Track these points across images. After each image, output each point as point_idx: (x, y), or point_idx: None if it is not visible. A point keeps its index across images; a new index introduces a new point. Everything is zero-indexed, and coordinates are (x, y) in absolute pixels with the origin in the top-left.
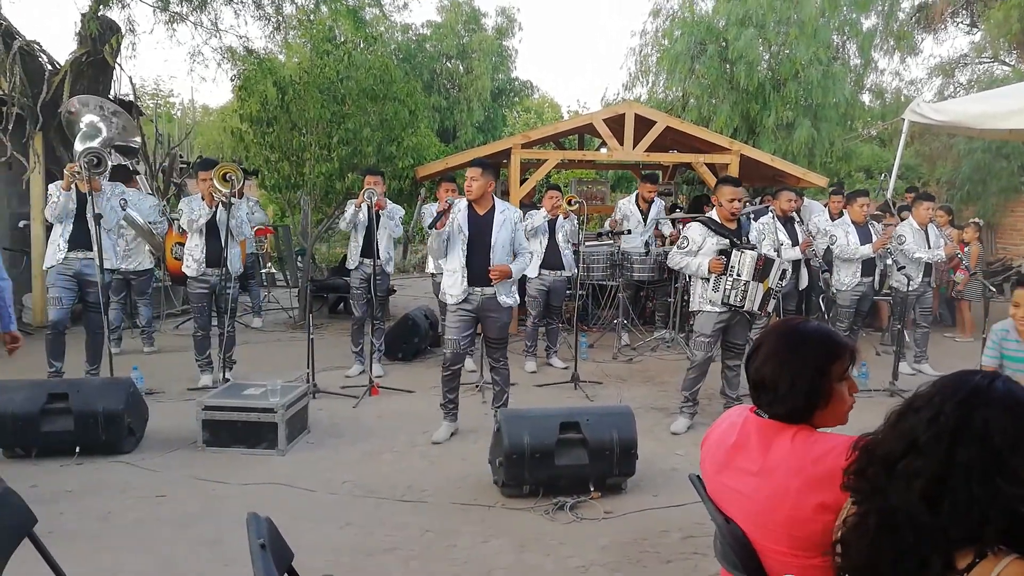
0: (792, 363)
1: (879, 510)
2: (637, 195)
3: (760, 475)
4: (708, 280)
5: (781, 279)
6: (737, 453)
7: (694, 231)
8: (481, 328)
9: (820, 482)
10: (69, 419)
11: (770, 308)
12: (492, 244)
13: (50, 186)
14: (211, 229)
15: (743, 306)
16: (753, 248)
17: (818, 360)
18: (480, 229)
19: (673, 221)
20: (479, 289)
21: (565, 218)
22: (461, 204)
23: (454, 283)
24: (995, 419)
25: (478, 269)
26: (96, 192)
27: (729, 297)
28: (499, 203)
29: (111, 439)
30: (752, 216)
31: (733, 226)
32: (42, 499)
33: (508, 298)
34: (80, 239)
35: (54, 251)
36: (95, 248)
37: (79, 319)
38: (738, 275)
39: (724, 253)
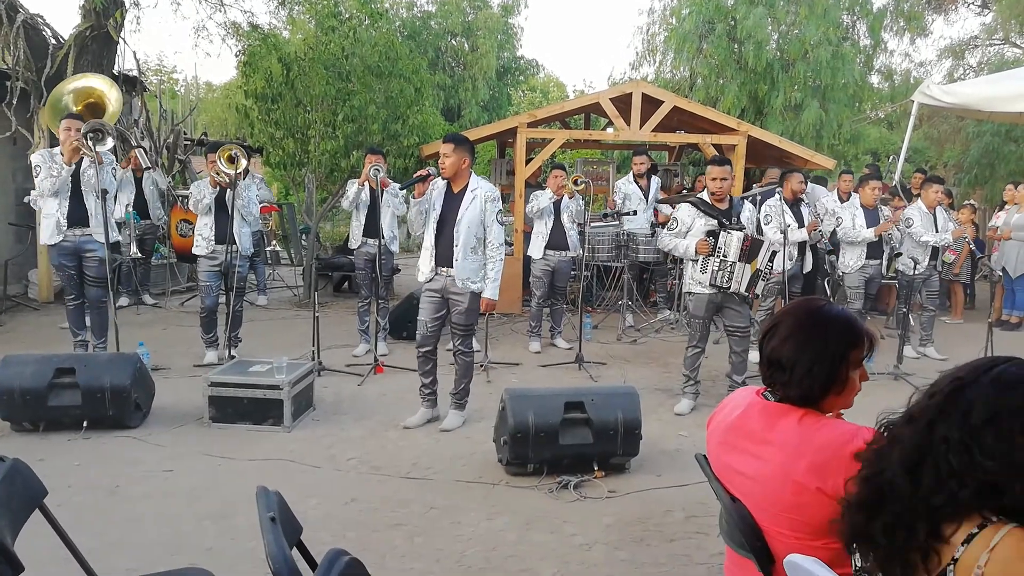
0: (813, 346)
1: (868, 478)
2: (633, 173)
3: (764, 458)
4: (696, 261)
5: (771, 260)
6: (742, 435)
7: (683, 212)
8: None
9: (823, 468)
10: (76, 394)
11: (759, 290)
12: (457, 222)
13: (33, 158)
14: (220, 207)
15: (729, 287)
16: (741, 229)
17: (839, 346)
18: (451, 207)
19: (670, 203)
20: (445, 269)
21: (570, 198)
22: (440, 182)
23: (424, 261)
24: (980, 396)
25: (444, 248)
26: (100, 165)
27: (716, 278)
28: (473, 180)
29: (118, 414)
30: (759, 197)
31: (724, 206)
32: (50, 473)
33: (471, 283)
34: (77, 215)
35: (53, 228)
36: (93, 223)
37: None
38: (724, 256)
39: (712, 234)
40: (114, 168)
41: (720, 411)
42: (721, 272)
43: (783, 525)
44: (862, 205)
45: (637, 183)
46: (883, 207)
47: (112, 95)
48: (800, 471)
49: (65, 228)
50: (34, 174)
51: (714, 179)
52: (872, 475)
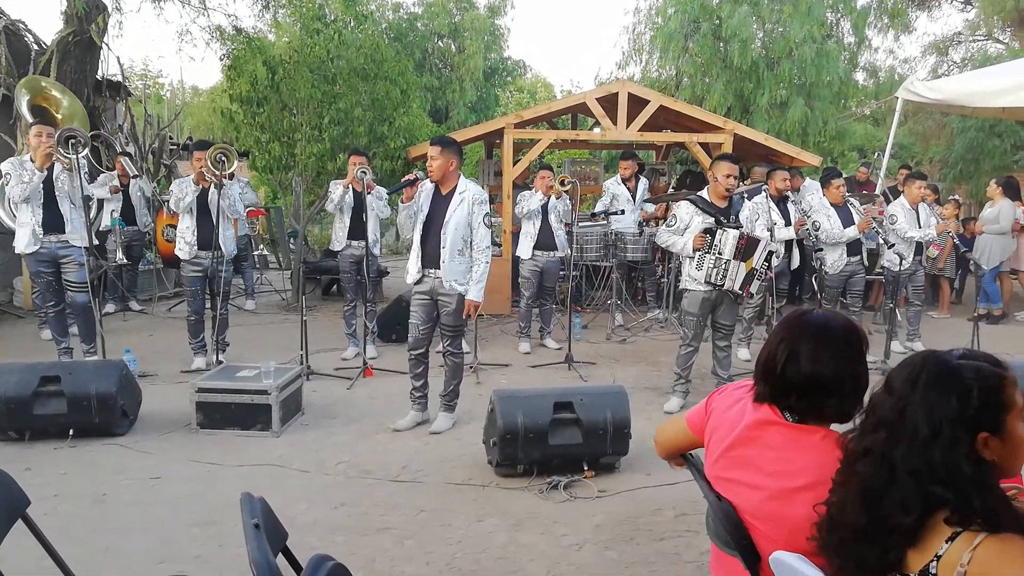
0: (850, 359)
1: (835, 503)
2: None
3: (775, 476)
4: (693, 258)
5: (767, 260)
6: (752, 447)
7: (682, 209)
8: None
9: None
10: (62, 402)
11: (753, 289)
12: (444, 224)
13: (2, 166)
14: (203, 210)
15: (723, 285)
16: (738, 227)
17: (863, 352)
18: (438, 209)
19: (655, 202)
20: (432, 271)
21: (558, 198)
22: (428, 184)
23: (412, 262)
24: (919, 414)
25: (431, 250)
26: (70, 172)
27: (711, 276)
28: (462, 183)
29: (104, 422)
30: (746, 195)
31: (724, 204)
32: (36, 482)
33: (458, 285)
34: (53, 223)
35: (29, 237)
36: (69, 228)
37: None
38: (720, 253)
39: (710, 232)
40: (85, 172)
41: (726, 401)
42: (716, 270)
43: (780, 541)
44: (831, 204)
45: (624, 184)
46: (854, 202)
47: (63, 106)
48: (816, 495)
49: (41, 235)
50: (3, 181)
51: (727, 175)
52: (833, 504)
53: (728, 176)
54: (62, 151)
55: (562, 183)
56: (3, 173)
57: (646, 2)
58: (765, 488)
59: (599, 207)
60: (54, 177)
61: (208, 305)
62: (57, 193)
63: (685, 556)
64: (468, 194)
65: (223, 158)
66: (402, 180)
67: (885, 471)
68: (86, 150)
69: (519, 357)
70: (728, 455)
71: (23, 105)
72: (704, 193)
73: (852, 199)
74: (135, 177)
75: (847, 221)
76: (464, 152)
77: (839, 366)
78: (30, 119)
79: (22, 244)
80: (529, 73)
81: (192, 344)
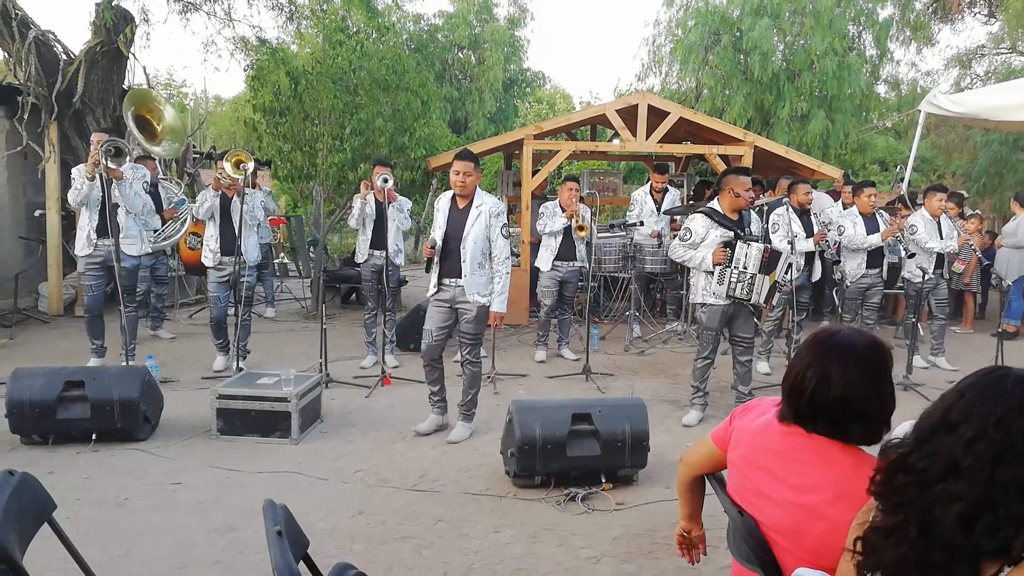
0: (878, 379)
1: (919, 523)
2: (651, 186)
3: (799, 489)
4: (712, 273)
5: (787, 272)
6: (780, 462)
7: (697, 223)
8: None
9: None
10: (85, 406)
11: (775, 301)
12: (463, 238)
13: (73, 170)
14: (225, 218)
15: (749, 299)
16: (758, 240)
17: (890, 372)
18: (457, 223)
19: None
20: (452, 280)
21: (579, 233)
22: (445, 196)
23: (433, 273)
24: None
25: (452, 262)
26: (118, 180)
27: (735, 290)
28: (479, 196)
29: (127, 427)
30: (766, 207)
31: (735, 217)
32: (59, 485)
33: (480, 296)
34: (107, 228)
35: (84, 241)
36: (123, 234)
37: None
38: (744, 268)
39: (728, 245)
40: (145, 181)
41: (749, 413)
42: (740, 284)
43: (804, 554)
44: (860, 213)
45: (653, 196)
46: (883, 213)
47: (164, 119)
48: (843, 509)
49: (95, 239)
50: (75, 187)
51: (748, 189)
52: (922, 521)
53: (748, 190)
54: (104, 161)
55: (581, 201)
56: (72, 178)
57: (666, 14)
58: (788, 502)
59: (630, 217)
60: (112, 185)
61: (231, 312)
62: (113, 200)
63: (704, 571)
64: (485, 207)
65: (244, 165)
66: (426, 257)
67: (991, 489)
68: (127, 161)
69: (536, 367)
70: (752, 469)
71: (129, 119)
72: (715, 205)
73: (882, 212)
74: (164, 179)
75: (873, 232)
76: (483, 162)
77: (867, 387)
78: (136, 133)
79: (78, 247)
80: (548, 84)
81: (216, 344)
